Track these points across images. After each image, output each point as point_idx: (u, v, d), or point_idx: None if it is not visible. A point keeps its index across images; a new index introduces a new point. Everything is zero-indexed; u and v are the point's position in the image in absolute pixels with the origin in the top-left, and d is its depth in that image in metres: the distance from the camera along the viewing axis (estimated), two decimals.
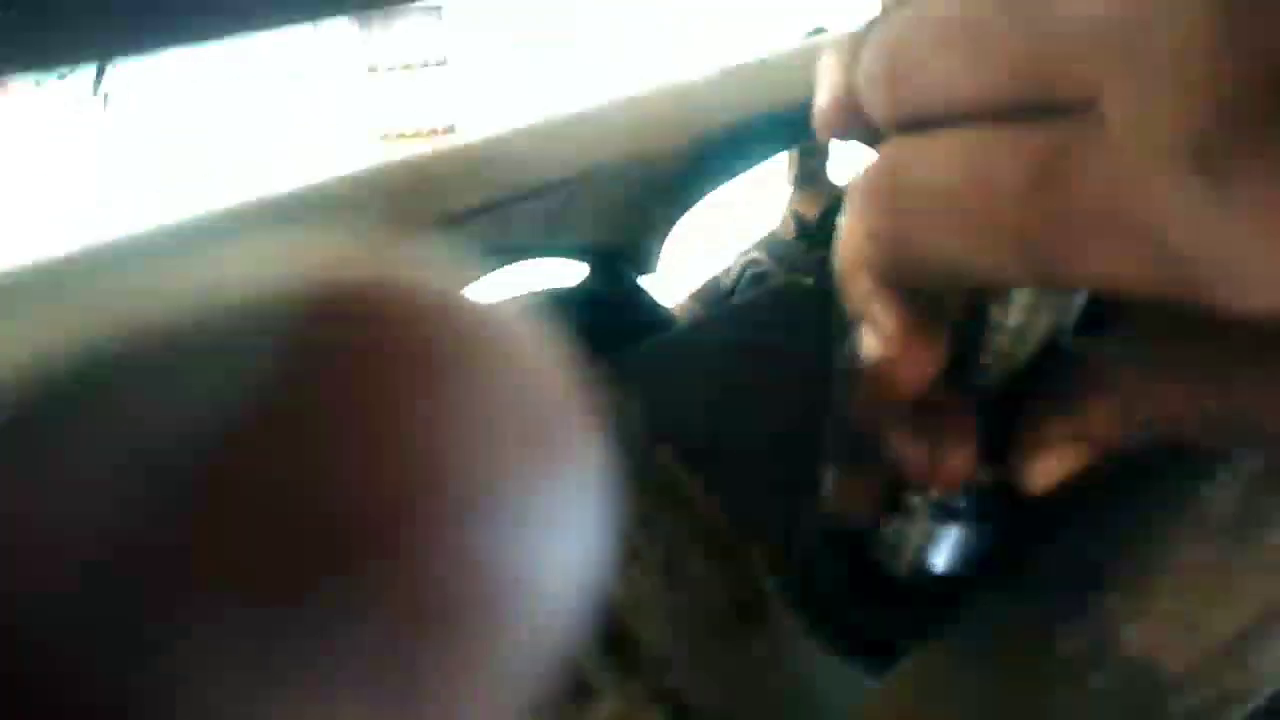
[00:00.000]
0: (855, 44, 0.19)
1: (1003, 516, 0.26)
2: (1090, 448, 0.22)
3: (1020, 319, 0.21)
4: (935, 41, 0.17)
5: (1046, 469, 0.22)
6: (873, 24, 0.19)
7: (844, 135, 0.21)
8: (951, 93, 0.17)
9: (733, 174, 0.49)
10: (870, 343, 0.23)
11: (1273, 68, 0.13)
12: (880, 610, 0.28)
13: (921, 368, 0.22)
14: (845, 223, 0.22)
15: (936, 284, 0.20)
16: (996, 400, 0.23)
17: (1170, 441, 0.20)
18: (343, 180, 0.32)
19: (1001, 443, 0.23)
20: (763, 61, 0.43)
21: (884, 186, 0.19)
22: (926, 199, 0.18)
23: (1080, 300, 0.21)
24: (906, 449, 0.24)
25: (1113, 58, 0.14)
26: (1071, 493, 0.24)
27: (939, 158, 0.17)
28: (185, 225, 0.29)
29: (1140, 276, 0.15)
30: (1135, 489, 0.28)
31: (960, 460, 0.23)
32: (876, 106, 0.19)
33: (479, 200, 0.31)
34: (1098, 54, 0.14)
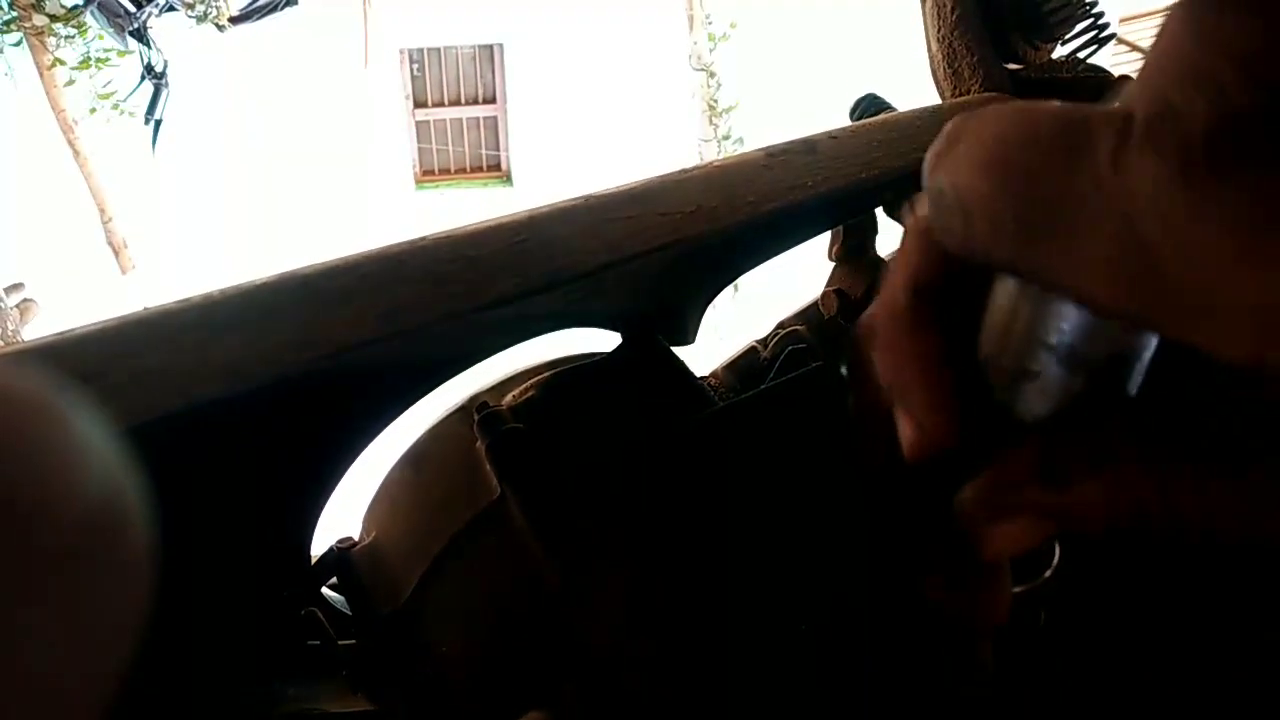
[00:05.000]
0: None
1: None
2: (1057, 524, 0.20)
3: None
4: None
5: (1009, 534, 0.21)
6: None
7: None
8: None
9: (777, 251, 0.48)
10: (904, 427, 0.22)
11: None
12: None
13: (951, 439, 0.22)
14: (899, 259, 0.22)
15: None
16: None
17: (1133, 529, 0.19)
18: (377, 259, 0.31)
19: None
20: (809, 144, 0.42)
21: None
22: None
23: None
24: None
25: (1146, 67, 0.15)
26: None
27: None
28: (213, 300, 0.28)
29: (1113, 273, 0.15)
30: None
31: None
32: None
33: (515, 288, 0.31)
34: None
